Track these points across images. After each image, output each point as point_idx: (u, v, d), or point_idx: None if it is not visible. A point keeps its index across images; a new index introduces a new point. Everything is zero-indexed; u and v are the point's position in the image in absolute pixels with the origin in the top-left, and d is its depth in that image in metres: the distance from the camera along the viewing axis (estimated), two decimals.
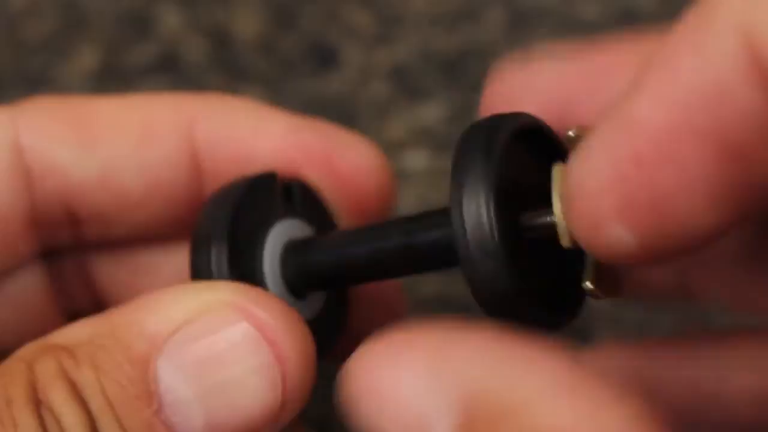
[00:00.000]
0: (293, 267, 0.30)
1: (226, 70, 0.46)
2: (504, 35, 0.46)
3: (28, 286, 0.32)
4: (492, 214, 0.25)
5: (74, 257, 0.33)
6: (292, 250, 0.30)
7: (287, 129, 0.32)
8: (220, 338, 0.27)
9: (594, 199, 0.24)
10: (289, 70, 0.46)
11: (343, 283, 0.30)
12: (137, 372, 0.26)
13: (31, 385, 0.26)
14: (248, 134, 0.32)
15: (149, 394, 0.26)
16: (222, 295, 0.27)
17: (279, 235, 0.30)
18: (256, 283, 0.29)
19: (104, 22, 0.47)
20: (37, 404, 0.26)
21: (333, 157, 0.32)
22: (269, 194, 0.30)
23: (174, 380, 0.26)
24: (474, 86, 0.46)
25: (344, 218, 0.32)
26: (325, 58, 0.46)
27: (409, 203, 0.43)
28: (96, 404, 0.26)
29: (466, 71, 0.46)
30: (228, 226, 0.29)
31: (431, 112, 0.45)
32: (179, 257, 0.33)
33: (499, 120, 0.27)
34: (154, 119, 0.32)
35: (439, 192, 0.44)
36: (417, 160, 0.44)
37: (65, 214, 0.32)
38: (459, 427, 0.22)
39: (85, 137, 0.31)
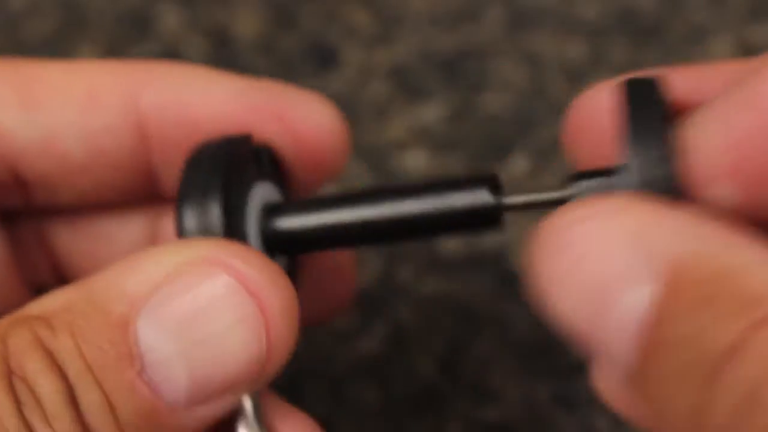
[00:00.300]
0: (272, 229, 0.30)
1: (225, 69, 0.46)
2: (504, 35, 0.46)
3: None
4: None
5: (31, 225, 0.33)
6: (270, 213, 0.30)
7: (235, 90, 0.32)
8: (201, 293, 0.26)
9: (712, 157, 0.25)
10: (289, 70, 0.46)
11: (325, 246, 0.30)
12: (117, 334, 0.26)
13: (2, 359, 0.25)
14: (195, 98, 0.32)
15: (130, 355, 0.26)
16: (202, 250, 0.27)
17: (257, 197, 0.30)
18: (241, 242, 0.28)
19: (104, 22, 0.47)
20: (9, 376, 0.25)
21: (285, 116, 0.32)
22: (247, 156, 0.30)
23: (155, 339, 0.26)
24: (474, 86, 0.46)
25: (300, 177, 0.32)
26: (325, 58, 0.46)
27: None
28: (74, 370, 0.26)
29: (466, 71, 0.46)
30: (220, 185, 0.29)
31: (431, 112, 0.45)
32: (138, 225, 0.33)
33: None
34: (99, 86, 0.31)
35: None
36: (417, 160, 0.44)
37: (11, 177, 0.31)
38: (663, 289, 0.22)
39: (29, 100, 0.31)
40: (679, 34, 0.45)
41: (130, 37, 0.47)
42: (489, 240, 0.42)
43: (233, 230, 0.29)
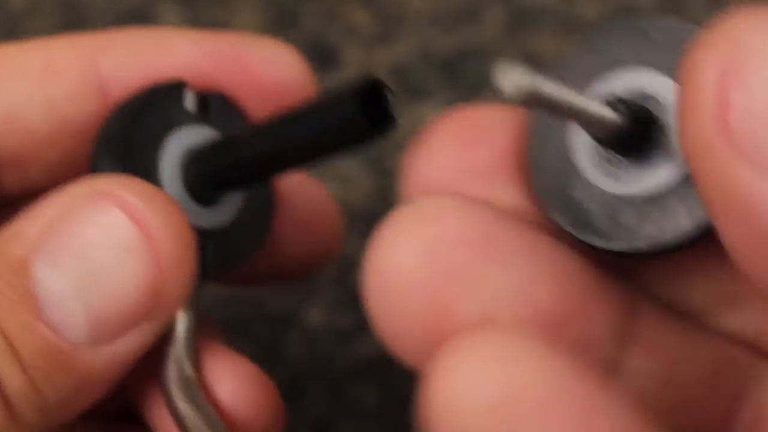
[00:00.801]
0: (191, 171, 0.30)
1: None
2: (504, 35, 0.46)
3: None
4: None
5: (5, 213, 0.33)
6: (193, 156, 0.30)
7: (195, 42, 0.32)
8: (89, 226, 0.27)
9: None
10: None
11: (232, 184, 0.30)
12: (16, 277, 0.26)
13: None
14: (155, 54, 0.31)
15: (28, 296, 0.26)
16: (89, 186, 0.27)
17: (183, 142, 0.30)
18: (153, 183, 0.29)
19: (104, 22, 0.47)
20: None
21: (245, 62, 0.31)
22: (173, 101, 0.30)
23: (50, 278, 0.26)
24: (474, 86, 0.46)
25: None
26: (325, 58, 0.46)
27: None
28: None
29: (466, 71, 0.46)
30: (121, 131, 0.29)
31: (431, 112, 0.45)
32: None
33: None
34: (55, 57, 0.31)
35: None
36: None
37: None
38: None
39: None
40: None
41: None
42: None
43: (138, 174, 0.29)
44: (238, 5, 0.47)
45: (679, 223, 0.24)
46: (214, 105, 0.31)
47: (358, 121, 0.26)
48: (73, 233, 0.27)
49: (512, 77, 0.21)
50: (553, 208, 0.26)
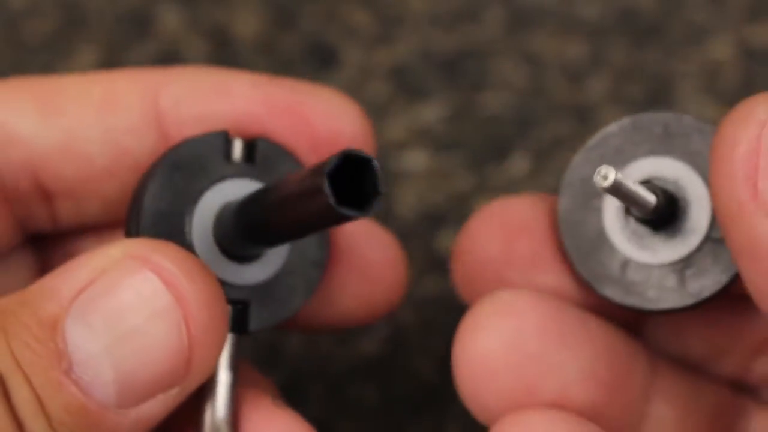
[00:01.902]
0: (218, 229, 0.30)
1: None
2: (504, 35, 0.46)
3: (20, 276, 0.32)
4: None
5: (61, 248, 0.33)
6: (218, 214, 0.30)
7: (254, 85, 0.32)
8: (123, 289, 0.27)
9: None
10: (289, 70, 0.46)
11: (254, 239, 0.29)
12: (45, 333, 0.26)
13: None
14: (213, 94, 0.31)
15: (58, 354, 0.26)
16: (124, 249, 0.27)
17: (222, 196, 0.30)
18: (183, 245, 0.28)
19: (104, 22, 0.47)
20: None
21: (304, 111, 0.31)
22: (212, 154, 0.30)
23: (81, 338, 0.26)
24: (474, 86, 0.46)
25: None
26: (325, 58, 0.46)
27: (408, 203, 0.43)
28: (4, 366, 0.26)
29: (466, 71, 0.46)
30: (153, 189, 0.29)
31: (431, 112, 0.45)
32: None
33: None
34: (118, 88, 0.31)
35: (439, 192, 0.44)
36: (417, 160, 0.44)
37: (34, 188, 0.31)
38: None
39: (47, 107, 0.31)
40: (679, 34, 0.45)
41: (130, 37, 0.47)
42: None
43: (170, 233, 0.29)
44: (238, 5, 0.47)
45: (716, 278, 0.29)
46: (262, 151, 0.30)
47: (334, 212, 0.25)
48: (106, 295, 0.27)
49: (610, 174, 0.27)
50: (603, 287, 0.30)
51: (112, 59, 0.46)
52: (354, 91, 0.45)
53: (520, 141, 0.44)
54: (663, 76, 0.45)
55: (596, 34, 0.46)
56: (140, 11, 0.47)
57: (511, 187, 0.43)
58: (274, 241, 0.29)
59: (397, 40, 0.47)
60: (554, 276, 0.31)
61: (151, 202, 0.29)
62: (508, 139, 0.44)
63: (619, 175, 0.28)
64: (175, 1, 0.48)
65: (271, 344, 0.42)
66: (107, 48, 0.47)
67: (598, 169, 0.28)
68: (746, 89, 0.45)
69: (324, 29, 0.47)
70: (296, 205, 0.26)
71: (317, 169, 0.25)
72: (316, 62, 0.46)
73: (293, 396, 0.41)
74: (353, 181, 0.25)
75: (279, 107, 0.31)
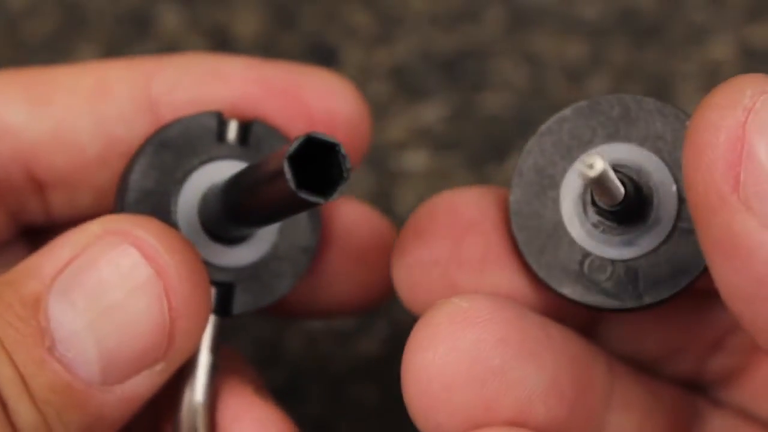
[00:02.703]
0: (202, 211, 0.29)
1: None
2: (504, 35, 0.46)
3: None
4: None
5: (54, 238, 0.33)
6: (203, 195, 0.29)
7: (247, 68, 0.31)
8: (103, 264, 0.27)
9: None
10: None
11: (234, 222, 0.29)
12: (28, 311, 0.26)
13: None
14: (206, 78, 0.31)
15: (41, 331, 0.26)
16: (104, 224, 0.27)
17: (210, 177, 0.30)
18: (169, 224, 0.28)
19: (104, 22, 0.47)
20: None
21: (299, 92, 0.31)
22: (204, 134, 0.30)
23: (64, 315, 0.26)
24: (474, 86, 0.46)
25: None
26: (325, 58, 0.46)
27: (408, 203, 0.43)
28: None
29: (466, 71, 0.46)
30: (140, 167, 0.29)
31: (431, 112, 0.45)
32: None
33: None
34: (109, 77, 0.31)
35: (439, 192, 0.44)
36: (417, 160, 0.44)
37: (27, 179, 0.31)
38: None
39: (37, 97, 0.31)
40: (679, 34, 0.45)
41: (130, 37, 0.47)
42: None
43: (155, 212, 0.28)
44: (238, 5, 0.47)
45: (682, 275, 0.27)
46: (257, 133, 0.30)
47: (295, 197, 0.24)
48: (87, 271, 0.27)
49: (597, 163, 0.24)
50: (561, 285, 0.28)
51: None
52: None
53: (520, 141, 0.44)
54: (663, 76, 0.45)
55: (596, 34, 0.46)
56: (140, 11, 0.47)
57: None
58: (250, 223, 0.29)
59: (397, 40, 0.47)
60: (507, 276, 0.29)
61: (136, 180, 0.29)
62: (508, 139, 0.44)
63: (607, 164, 0.25)
64: (175, 1, 0.48)
65: (272, 344, 0.42)
66: (107, 48, 0.47)
67: (581, 158, 0.25)
68: None
69: (324, 29, 0.47)
70: (262, 189, 0.26)
71: (281, 153, 0.24)
72: (316, 62, 0.46)
73: (293, 396, 0.41)
74: (321, 166, 0.24)
75: (275, 88, 0.31)
